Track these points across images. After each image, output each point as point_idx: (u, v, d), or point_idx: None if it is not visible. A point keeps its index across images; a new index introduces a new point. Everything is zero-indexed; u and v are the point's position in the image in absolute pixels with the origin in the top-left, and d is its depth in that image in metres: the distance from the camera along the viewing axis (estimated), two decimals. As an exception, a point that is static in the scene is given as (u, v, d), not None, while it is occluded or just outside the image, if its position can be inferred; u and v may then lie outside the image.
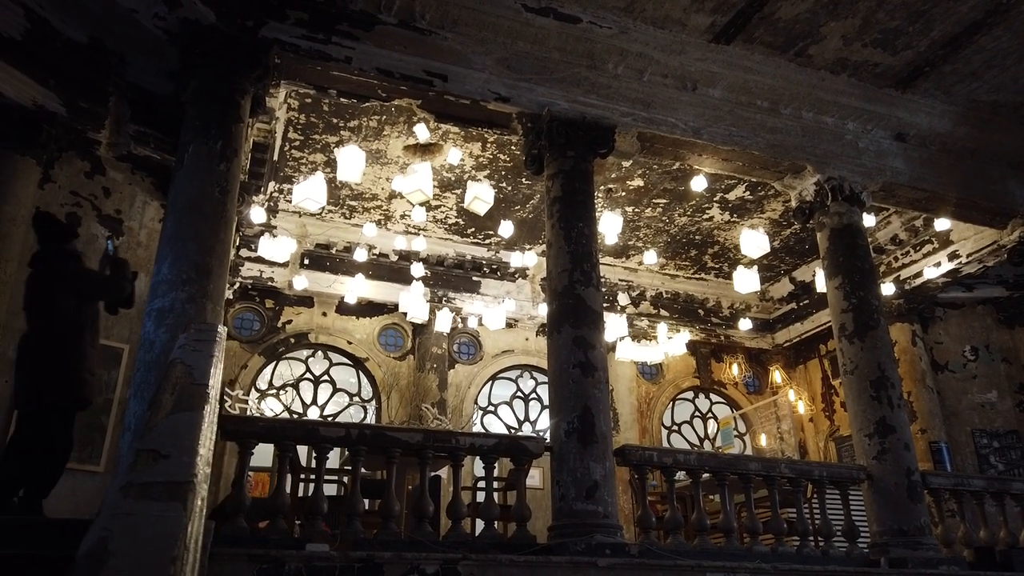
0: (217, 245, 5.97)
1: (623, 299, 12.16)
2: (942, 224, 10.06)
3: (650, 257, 10.76)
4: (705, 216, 11.68)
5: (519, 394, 12.91)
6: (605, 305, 12.54)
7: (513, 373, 13.00)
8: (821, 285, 8.88)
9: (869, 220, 9.84)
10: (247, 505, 5.36)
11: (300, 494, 7.09)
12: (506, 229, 9.58)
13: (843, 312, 7.97)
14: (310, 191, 7.51)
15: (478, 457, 6.25)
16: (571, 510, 6.00)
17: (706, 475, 6.83)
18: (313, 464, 5.91)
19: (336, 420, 11.25)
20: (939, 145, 9.17)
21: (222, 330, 5.25)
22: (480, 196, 8.20)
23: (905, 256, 11.64)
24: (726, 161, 8.52)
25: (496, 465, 6.23)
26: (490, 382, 12.86)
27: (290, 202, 11.07)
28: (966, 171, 9.28)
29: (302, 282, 10.76)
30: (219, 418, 5.51)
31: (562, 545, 5.76)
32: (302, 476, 7.21)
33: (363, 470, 5.91)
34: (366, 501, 6.26)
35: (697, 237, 12.38)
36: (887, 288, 11.47)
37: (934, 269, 11.03)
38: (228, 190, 6.23)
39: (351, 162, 7.46)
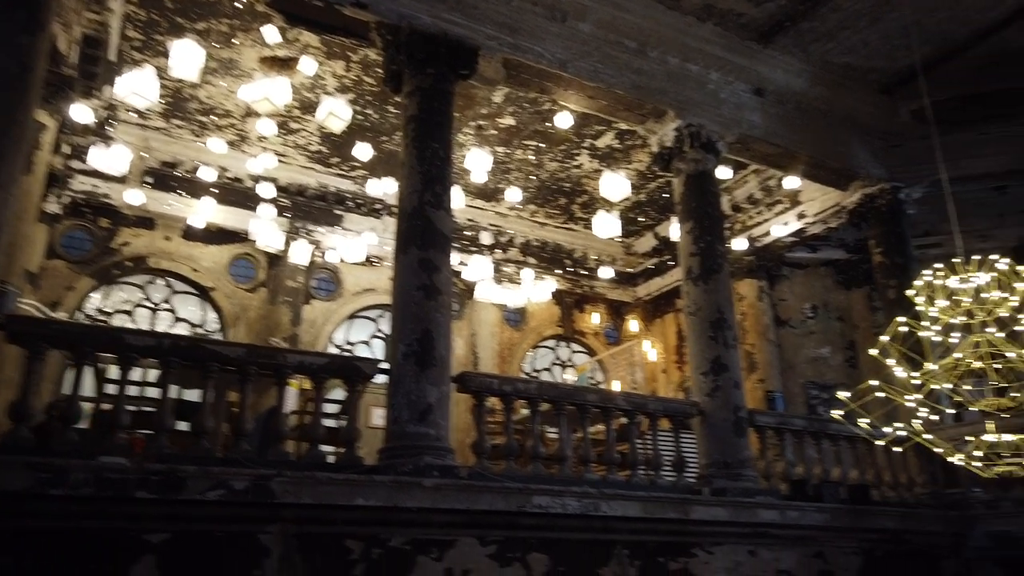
0: (12, 127, 5.25)
1: (486, 238, 12.01)
2: (792, 182, 10.48)
3: (514, 195, 10.63)
4: (574, 163, 11.66)
5: (379, 334, 12.57)
6: (469, 245, 12.51)
7: (374, 313, 12.63)
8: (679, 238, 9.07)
9: (726, 172, 10.17)
10: (34, 414, 4.83)
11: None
12: (363, 152, 9.14)
13: (691, 256, 8.15)
14: (138, 85, 6.80)
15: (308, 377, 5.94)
16: (403, 432, 5.82)
17: (545, 405, 6.83)
18: (141, 380, 5.39)
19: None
20: (794, 103, 9.50)
21: None
22: (336, 112, 7.74)
23: (759, 215, 12.13)
24: (592, 99, 8.44)
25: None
26: (349, 321, 12.44)
27: (133, 113, 10.17)
28: (817, 131, 9.68)
29: (140, 198, 9.88)
30: (6, 319, 4.94)
31: (389, 466, 5.59)
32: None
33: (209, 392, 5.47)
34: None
35: (567, 185, 12.38)
36: (740, 244, 11.96)
37: (783, 227, 11.55)
38: (30, 67, 5.47)
39: (187, 58, 6.80)
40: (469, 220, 12.83)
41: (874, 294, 11.42)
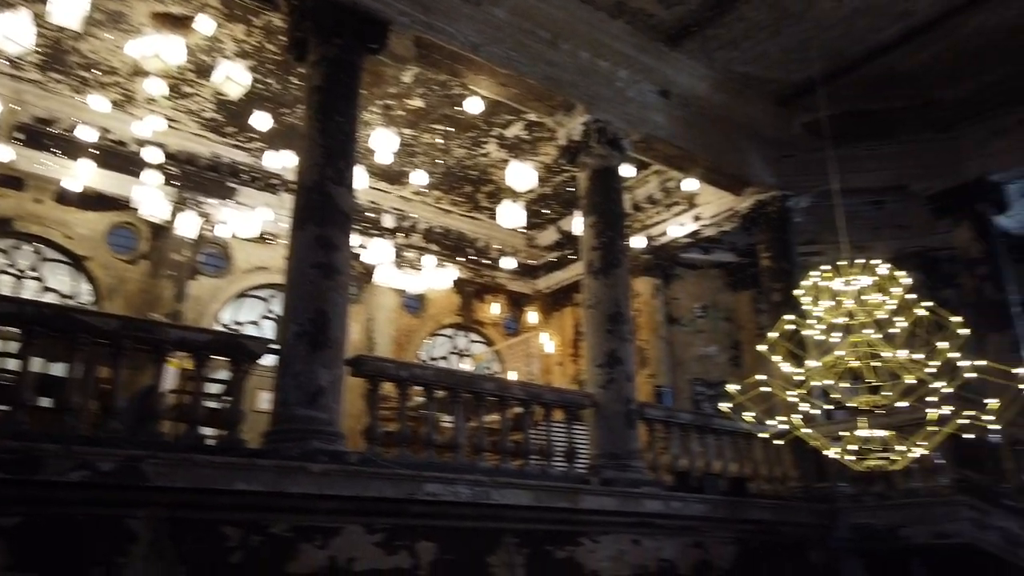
0: None
1: (388, 221, 11.76)
2: (691, 185, 10.81)
3: (419, 178, 10.42)
4: (482, 151, 11.58)
5: (269, 315, 12.07)
6: (371, 228, 12.21)
7: (266, 292, 12.12)
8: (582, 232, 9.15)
9: (629, 171, 10.32)
10: None
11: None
12: (262, 122, 8.70)
13: (593, 249, 8.25)
14: (11, 28, 6.16)
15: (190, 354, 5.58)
16: (291, 415, 5.57)
17: (441, 392, 6.73)
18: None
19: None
20: (697, 107, 9.78)
21: None
22: (234, 77, 7.31)
23: (658, 215, 12.45)
24: (503, 86, 8.38)
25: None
26: (238, 300, 11.88)
27: (4, 61, 9.27)
28: (716, 136, 10.01)
29: (8, 154, 9.02)
30: None
31: (274, 450, 5.33)
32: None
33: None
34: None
35: (473, 173, 12.28)
36: (639, 242, 12.23)
37: (680, 228, 11.91)
38: None
39: (69, 4, 6.22)
40: (372, 202, 12.51)
41: (760, 297, 11.96)
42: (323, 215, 6.20)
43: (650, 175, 12.14)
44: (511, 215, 9.61)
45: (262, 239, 11.49)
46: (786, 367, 4.87)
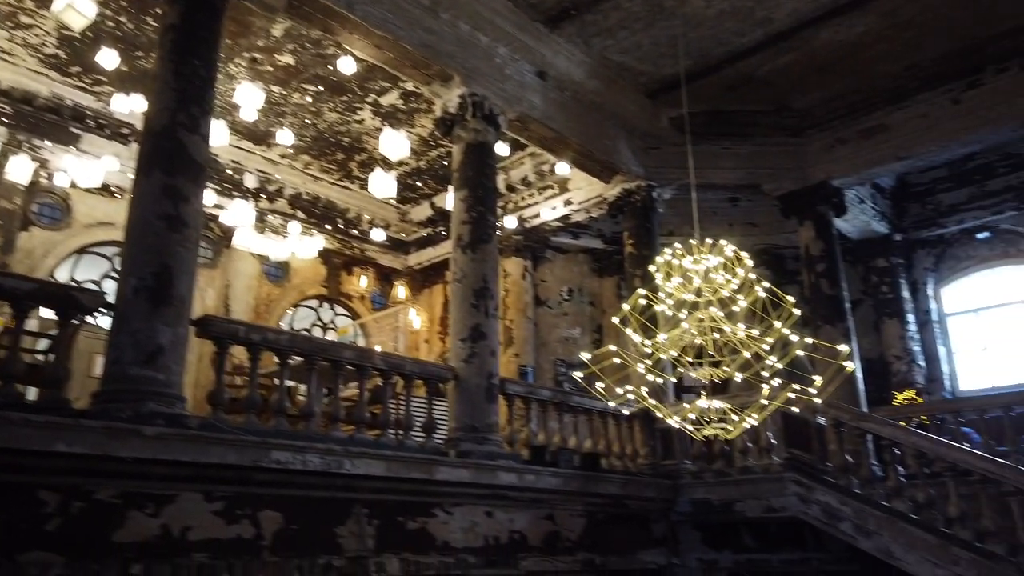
0: None
1: (250, 181, 11.18)
2: (563, 169, 11.01)
3: (285, 137, 9.95)
4: (356, 118, 11.24)
5: (114, 274, 11.16)
6: (232, 189, 11.58)
7: (110, 250, 11.20)
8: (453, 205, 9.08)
9: (504, 149, 10.41)
10: None
11: None
12: (109, 60, 7.98)
13: (463, 224, 8.20)
14: None
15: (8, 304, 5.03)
16: (124, 375, 5.16)
17: (297, 359, 6.48)
18: None
19: None
20: (572, 92, 9.94)
21: None
22: (75, 5, 6.63)
23: (531, 197, 12.60)
24: (378, 49, 8.13)
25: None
26: (78, 256, 10.91)
27: None
28: (589, 122, 10.22)
29: None
30: None
31: (104, 411, 4.92)
32: None
33: None
34: None
35: (346, 140, 11.90)
36: (511, 222, 12.35)
37: (551, 211, 12.12)
38: None
39: None
40: (234, 162, 11.85)
41: (623, 283, 12.40)
42: (173, 163, 5.77)
43: (525, 157, 12.26)
44: (382, 184, 9.39)
45: (107, 191, 10.63)
46: (637, 339, 5.05)
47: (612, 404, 5.48)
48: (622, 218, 11.03)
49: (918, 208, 12.87)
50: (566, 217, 12.20)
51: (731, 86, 10.26)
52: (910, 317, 12.73)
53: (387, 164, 9.99)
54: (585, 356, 5.27)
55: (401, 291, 14.08)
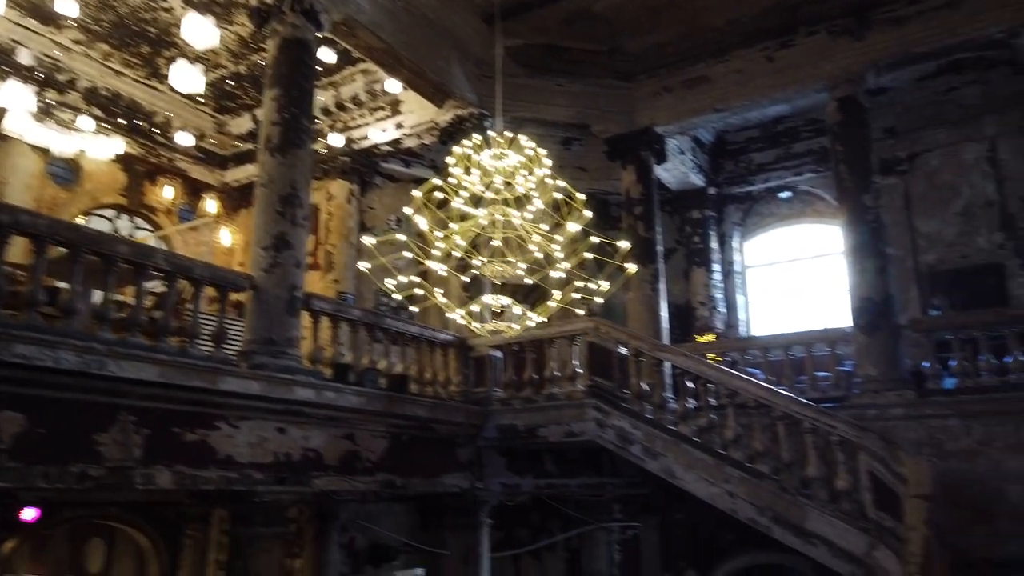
0: None
1: (25, 57, 9.76)
2: (394, 87, 10.54)
3: (67, 7, 8.60)
4: (164, 5, 10.07)
5: None
6: (4, 66, 10.06)
7: None
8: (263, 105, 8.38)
9: (329, 56, 9.78)
10: None
11: None
12: None
13: (273, 124, 7.60)
14: None
15: None
16: None
17: (59, 250, 5.71)
18: None
19: None
20: (405, 2, 9.45)
21: None
22: None
23: (361, 118, 12.02)
24: (183, -82, 7.24)
25: None
26: None
27: None
28: (422, 39, 9.80)
29: None
30: None
31: None
32: None
33: None
34: None
35: (152, 31, 10.66)
36: (337, 140, 11.73)
37: (382, 134, 11.64)
38: None
39: None
40: (14, 40, 10.26)
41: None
42: None
43: (357, 73, 11.64)
44: (187, 78, 8.48)
45: None
46: (425, 226, 4.87)
47: (397, 296, 5.28)
48: (454, 146, 10.75)
49: (732, 165, 13.69)
50: (397, 141, 11.78)
51: (568, 19, 10.22)
52: (716, 267, 13.62)
53: (194, 55, 9.01)
54: (369, 240, 5.01)
55: (212, 205, 13.02)
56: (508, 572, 11.54)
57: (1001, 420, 8.13)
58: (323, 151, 11.85)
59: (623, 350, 8.68)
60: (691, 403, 8.32)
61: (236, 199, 13.53)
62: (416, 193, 4.91)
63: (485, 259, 4.68)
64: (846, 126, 9.84)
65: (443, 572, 9.47)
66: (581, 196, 4.78)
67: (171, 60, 11.25)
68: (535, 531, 11.24)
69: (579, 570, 11.15)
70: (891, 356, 9.00)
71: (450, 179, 4.83)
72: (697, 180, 13.45)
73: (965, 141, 11.74)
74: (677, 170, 12.94)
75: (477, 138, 4.84)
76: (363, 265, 5.25)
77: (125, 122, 11.70)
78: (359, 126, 12.04)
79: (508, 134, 4.91)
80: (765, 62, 10.46)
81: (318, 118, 12.00)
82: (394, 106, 11.56)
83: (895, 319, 9.25)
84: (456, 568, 9.11)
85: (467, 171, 4.76)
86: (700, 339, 12.48)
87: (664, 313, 10.92)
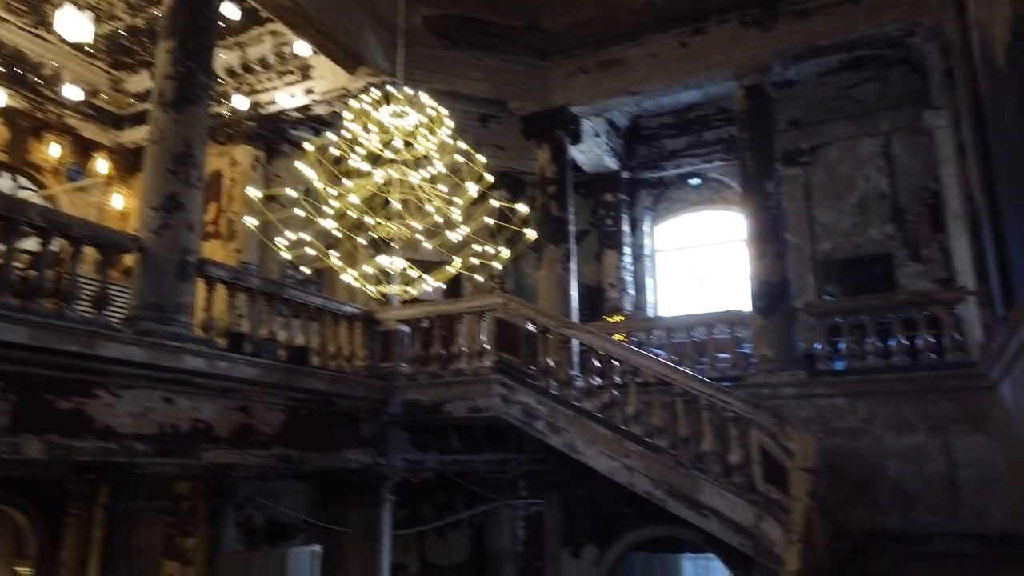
0: None
1: None
2: (304, 50, 10.14)
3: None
4: (52, -54, 9.34)
5: None
6: None
7: None
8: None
9: (233, 11, 9.31)
10: None
11: None
12: None
13: (167, 78, 7.14)
14: None
15: None
16: None
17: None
18: None
19: None
20: (316, -40, 9.09)
21: None
22: None
23: (269, 81, 11.52)
24: None
25: None
26: None
27: None
28: (334, 0, 9.44)
29: None
30: None
31: None
32: None
33: None
34: None
35: (39, -27, 9.89)
36: (242, 103, 11.22)
37: (290, 99, 11.20)
38: None
39: None
40: None
41: (363, 187, 11.91)
42: None
43: (265, 34, 11.16)
44: (74, 25, 7.87)
45: None
46: (319, 184, 4.68)
47: (287, 256, 5.06)
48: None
49: (645, 150, 13.89)
50: (307, 108, 11.36)
51: (486, -8, 10.07)
52: (627, 250, 13.83)
53: (93, 9, 8.39)
54: (254, 192, 4.77)
55: (103, 166, 12.21)
56: (412, 549, 11.46)
57: (883, 400, 8.57)
58: (227, 114, 11.31)
59: (531, 327, 8.68)
60: (596, 381, 8.41)
61: (132, 161, 12.71)
62: (308, 147, 4.68)
63: (380, 220, 4.52)
64: (752, 114, 10.11)
65: (342, 549, 9.28)
66: (481, 159, 4.67)
67: (59, 6, 10.52)
68: (440, 509, 11.19)
69: (483, 547, 11.17)
70: (786, 338, 9.35)
71: (345, 133, 4.61)
72: (611, 163, 13.58)
73: (862, 136, 12.29)
74: (592, 152, 13.02)
75: (376, 94, 4.66)
76: (250, 221, 4.96)
77: (5, 71, 10.80)
78: (267, 90, 11.54)
79: (409, 91, 4.76)
80: (679, 47, 10.62)
81: (222, 79, 11.46)
82: (304, 71, 11.14)
83: (791, 303, 9.61)
84: (356, 545, 8.93)
85: (365, 128, 4.57)
86: (609, 319, 12.65)
87: (574, 292, 11.00)
